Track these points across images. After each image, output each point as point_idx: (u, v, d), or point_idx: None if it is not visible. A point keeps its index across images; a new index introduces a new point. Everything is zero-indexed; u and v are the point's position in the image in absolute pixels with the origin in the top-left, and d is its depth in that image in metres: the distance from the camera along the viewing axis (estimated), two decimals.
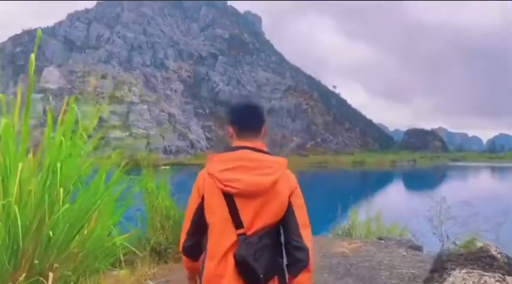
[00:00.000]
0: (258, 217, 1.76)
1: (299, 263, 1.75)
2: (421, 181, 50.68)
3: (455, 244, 5.91)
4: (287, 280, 1.81)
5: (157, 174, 6.22)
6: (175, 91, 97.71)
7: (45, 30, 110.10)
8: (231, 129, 1.97)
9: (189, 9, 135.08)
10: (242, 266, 1.71)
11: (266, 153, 1.92)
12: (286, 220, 1.80)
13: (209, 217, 1.82)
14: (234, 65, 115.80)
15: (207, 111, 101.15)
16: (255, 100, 2.03)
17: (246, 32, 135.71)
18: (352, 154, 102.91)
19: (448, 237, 5.98)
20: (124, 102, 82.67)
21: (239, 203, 1.76)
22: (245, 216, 1.76)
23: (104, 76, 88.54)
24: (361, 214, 8.17)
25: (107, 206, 3.16)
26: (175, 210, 5.67)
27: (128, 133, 72.61)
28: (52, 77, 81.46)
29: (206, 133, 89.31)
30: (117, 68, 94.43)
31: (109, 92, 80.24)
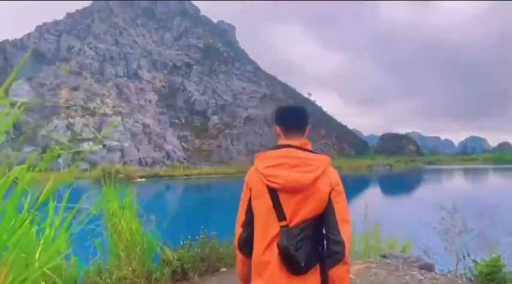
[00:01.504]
0: (298, 211, 1.90)
1: (335, 255, 1.87)
2: (401, 185, 50.55)
3: (475, 262, 5.08)
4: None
5: (129, 188, 5.20)
6: (150, 101, 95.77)
7: (13, 43, 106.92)
8: (278, 129, 2.12)
9: (161, 19, 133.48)
10: (284, 255, 1.86)
11: (310, 151, 2.03)
12: (326, 215, 1.92)
13: (255, 209, 2.00)
14: (209, 74, 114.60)
15: (183, 121, 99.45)
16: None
17: (220, 41, 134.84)
18: None
19: (468, 254, 5.14)
20: (97, 114, 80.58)
21: (282, 197, 1.91)
22: (287, 209, 1.90)
23: (75, 89, 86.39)
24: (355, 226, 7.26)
25: (31, 243, 2.16)
26: (144, 235, 4.67)
27: (101, 146, 70.47)
28: (21, 91, 78.71)
29: (182, 144, 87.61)
30: (89, 79, 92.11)
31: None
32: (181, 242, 4.99)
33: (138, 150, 72.85)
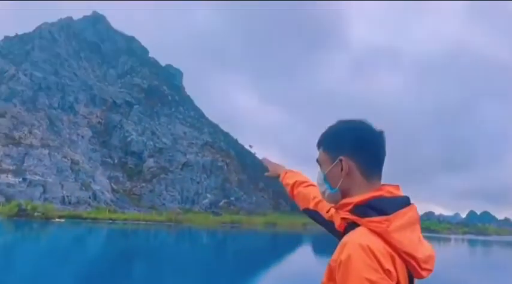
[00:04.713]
0: None
1: None
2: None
3: None
4: None
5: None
6: (83, 137, 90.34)
7: None
8: (348, 163, 1.23)
9: (107, 55, 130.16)
10: None
11: None
12: None
13: None
14: (150, 116, 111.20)
15: (116, 161, 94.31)
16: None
17: (165, 84, 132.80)
18: (265, 215, 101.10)
19: None
20: (22, 144, 74.41)
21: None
22: None
23: (1, 115, 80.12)
24: None
25: None
26: None
27: (21, 179, 64.45)
28: None
29: (112, 185, 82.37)
30: (19, 107, 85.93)
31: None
32: None
33: (63, 187, 67.24)
